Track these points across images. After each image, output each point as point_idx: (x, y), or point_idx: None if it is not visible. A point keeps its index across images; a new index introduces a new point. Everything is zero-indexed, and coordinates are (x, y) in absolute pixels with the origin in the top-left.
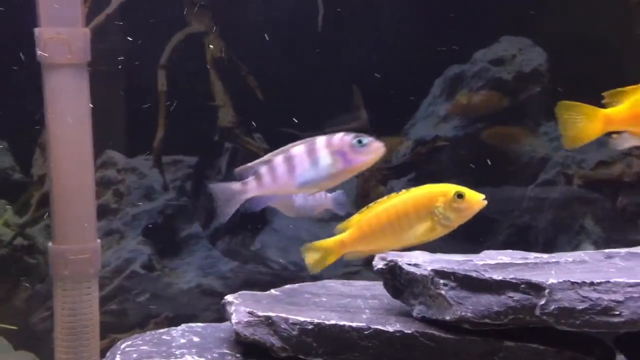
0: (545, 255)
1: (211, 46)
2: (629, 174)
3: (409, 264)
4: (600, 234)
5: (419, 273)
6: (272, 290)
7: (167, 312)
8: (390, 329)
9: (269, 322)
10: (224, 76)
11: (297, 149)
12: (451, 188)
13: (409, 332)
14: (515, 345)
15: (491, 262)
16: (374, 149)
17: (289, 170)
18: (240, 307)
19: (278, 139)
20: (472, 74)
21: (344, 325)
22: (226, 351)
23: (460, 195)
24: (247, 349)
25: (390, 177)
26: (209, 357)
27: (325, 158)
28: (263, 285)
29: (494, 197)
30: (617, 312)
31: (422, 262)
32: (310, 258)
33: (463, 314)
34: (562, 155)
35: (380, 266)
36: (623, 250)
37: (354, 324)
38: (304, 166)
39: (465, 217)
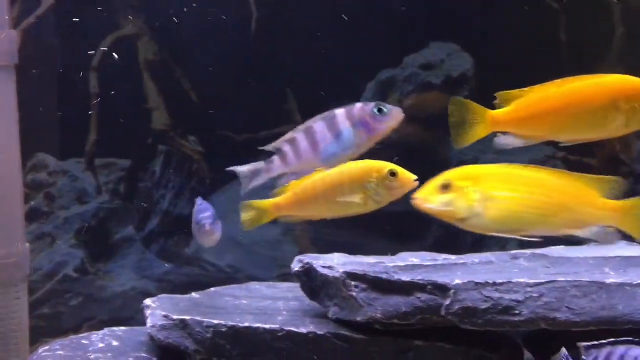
0: (453, 257)
1: (143, 49)
2: None
3: (324, 267)
4: None
5: (332, 275)
6: (193, 294)
7: (102, 315)
8: (303, 330)
9: (183, 325)
10: (158, 79)
11: (319, 125)
12: (386, 166)
13: (322, 333)
14: (425, 345)
15: (402, 264)
16: (395, 116)
17: (312, 146)
18: (157, 310)
19: (213, 142)
20: (403, 79)
21: (258, 328)
22: (143, 355)
23: (393, 174)
24: (164, 353)
25: None
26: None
27: (347, 130)
28: (198, 287)
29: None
30: (517, 312)
31: (336, 264)
32: (246, 216)
33: (373, 314)
34: (489, 159)
35: (297, 269)
36: (528, 252)
37: (267, 326)
38: (327, 141)
39: (395, 196)
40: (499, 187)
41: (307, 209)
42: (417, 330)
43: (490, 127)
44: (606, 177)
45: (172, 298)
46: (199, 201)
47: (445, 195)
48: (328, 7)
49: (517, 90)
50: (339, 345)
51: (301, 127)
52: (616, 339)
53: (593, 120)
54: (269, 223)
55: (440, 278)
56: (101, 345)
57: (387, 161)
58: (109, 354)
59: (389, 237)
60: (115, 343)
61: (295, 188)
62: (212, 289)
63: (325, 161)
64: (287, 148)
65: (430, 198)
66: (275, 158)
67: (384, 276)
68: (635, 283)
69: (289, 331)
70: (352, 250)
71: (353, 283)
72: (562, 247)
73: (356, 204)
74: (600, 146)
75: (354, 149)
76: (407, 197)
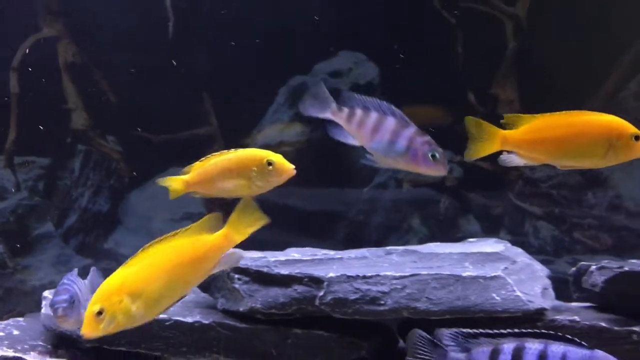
0: (332, 252)
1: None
2: (451, 179)
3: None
4: (425, 232)
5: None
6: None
7: (20, 308)
8: (190, 320)
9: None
10: (77, 80)
11: (391, 121)
12: (267, 155)
13: (207, 322)
14: (302, 333)
15: (283, 258)
16: (436, 168)
17: (374, 129)
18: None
19: (130, 142)
20: (313, 84)
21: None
22: (40, 343)
23: (270, 163)
24: (59, 340)
25: None
26: (19, 348)
27: (402, 146)
28: None
29: (335, 198)
30: (383, 302)
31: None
32: (169, 187)
33: (253, 305)
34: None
35: None
36: (401, 248)
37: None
38: (384, 137)
39: (273, 183)
40: (140, 284)
41: (206, 188)
42: (295, 319)
43: (499, 145)
44: (204, 219)
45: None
46: (64, 278)
47: (105, 319)
48: (244, 15)
49: (525, 115)
50: (223, 333)
51: (382, 109)
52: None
53: (589, 152)
54: (185, 221)
55: (316, 271)
56: (1, 334)
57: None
58: (6, 342)
59: (305, 234)
60: (15, 332)
61: (198, 169)
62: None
63: (371, 148)
64: (359, 112)
65: (94, 330)
66: (346, 110)
67: (265, 269)
68: (488, 276)
69: (176, 320)
70: (269, 247)
71: (236, 276)
72: (436, 243)
73: (242, 187)
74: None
75: (391, 162)
76: (324, 198)
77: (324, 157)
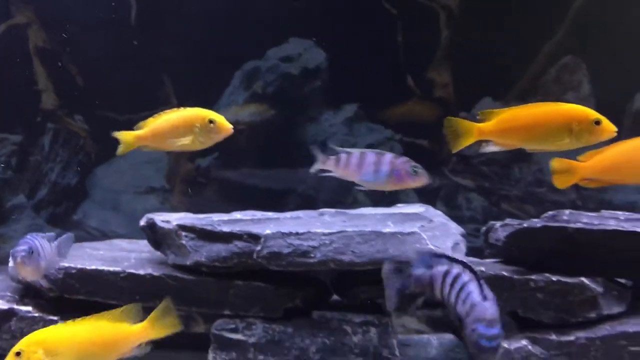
0: (270, 214)
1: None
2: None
3: (163, 221)
4: (369, 204)
5: (168, 228)
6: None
7: None
8: (142, 272)
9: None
10: (47, 64)
11: (370, 155)
12: (209, 114)
13: (157, 274)
14: (243, 284)
15: (226, 218)
16: (420, 179)
17: (358, 165)
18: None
19: (97, 121)
20: (266, 69)
21: (102, 270)
22: (8, 294)
23: (212, 121)
24: (25, 292)
25: (197, 156)
26: None
27: (385, 170)
28: None
29: (286, 174)
30: (312, 255)
31: (173, 219)
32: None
33: (198, 259)
34: (339, 139)
35: (142, 223)
36: (333, 210)
37: (111, 269)
38: (369, 169)
39: (214, 139)
40: (59, 346)
41: (155, 142)
42: (236, 272)
43: (477, 136)
44: (124, 309)
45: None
46: (28, 234)
47: None
48: (203, 4)
49: (496, 109)
50: (172, 284)
51: (360, 150)
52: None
53: (554, 137)
54: (148, 194)
55: (255, 229)
56: None
57: None
58: None
59: (258, 206)
60: None
61: (149, 124)
62: (78, 243)
63: (361, 181)
64: (343, 157)
65: None
66: (333, 159)
67: (209, 227)
68: (406, 232)
69: (130, 273)
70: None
71: (183, 233)
72: (368, 208)
73: (188, 143)
74: (431, 130)
75: (382, 185)
76: (276, 174)
77: (275, 136)
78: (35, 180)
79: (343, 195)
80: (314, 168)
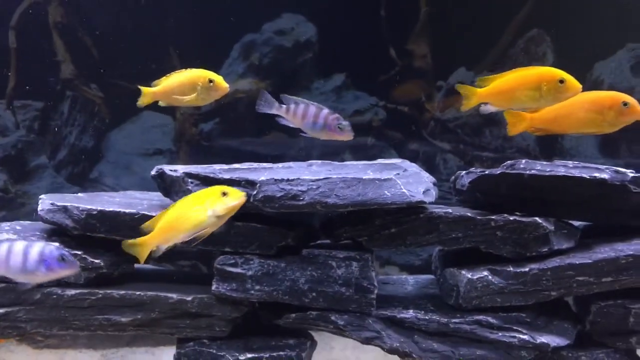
0: (265, 164)
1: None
2: (376, 121)
3: (171, 170)
4: None
5: (175, 175)
6: (79, 194)
7: None
8: (154, 213)
9: (64, 209)
10: (65, 37)
11: (312, 108)
12: (208, 74)
13: None
14: (242, 225)
15: (226, 167)
16: (345, 135)
17: (302, 116)
18: (47, 200)
19: (110, 89)
20: (261, 42)
21: (119, 212)
22: (37, 233)
23: (211, 81)
24: (52, 232)
25: (200, 121)
26: (21, 235)
27: (320, 123)
28: None
29: (280, 138)
30: (301, 198)
31: (180, 169)
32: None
33: None
34: (328, 106)
35: (153, 173)
36: (320, 162)
37: (127, 211)
38: (310, 120)
39: (214, 96)
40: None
41: (167, 98)
42: (237, 214)
43: (478, 99)
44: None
45: (63, 195)
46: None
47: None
48: None
49: (492, 76)
50: None
51: (306, 104)
52: None
53: (530, 96)
54: (157, 156)
55: (251, 176)
56: (7, 228)
57: None
58: (11, 232)
59: None
60: (18, 227)
61: (162, 82)
62: (95, 193)
63: (303, 128)
64: (292, 107)
65: None
66: (283, 107)
67: (211, 175)
68: (383, 178)
69: (144, 214)
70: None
71: (189, 180)
72: (353, 161)
73: (190, 98)
74: (411, 97)
75: (317, 135)
76: (270, 140)
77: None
78: (56, 143)
79: (331, 155)
80: (270, 111)
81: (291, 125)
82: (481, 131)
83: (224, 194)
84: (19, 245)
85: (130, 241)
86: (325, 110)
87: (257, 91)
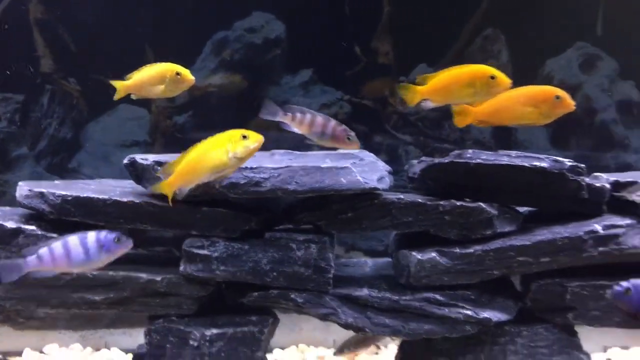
0: None
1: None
2: (341, 114)
3: (142, 159)
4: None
5: (146, 164)
6: (55, 181)
7: None
8: (125, 199)
9: (41, 195)
10: (45, 33)
11: (320, 119)
12: (175, 68)
13: (138, 201)
14: (208, 210)
15: None
16: (352, 145)
17: (309, 125)
18: (24, 187)
19: (88, 83)
20: (233, 38)
21: (93, 197)
22: (16, 217)
23: (178, 74)
24: (30, 217)
25: (174, 114)
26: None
27: (329, 133)
28: None
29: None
30: (263, 185)
31: (150, 157)
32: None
33: None
34: (296, 101)
35: (125, 161)
36: (283, 151)
37: (100, 197)
38: (318, 129)
39: (181, 88)
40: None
41: (138, 90)
42: (203, 200)
43: (419, 96)
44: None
45: (38, 182)
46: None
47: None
48: None
49: (430, 74)
50: (150, 209)
51: (312, 114)
52: None
53: (465, 92)
54: (133, 147)
55: None
56: None
57: None
58: None
59: None
60: None
61: (133, 76)
62: (72, 180)
63: (309, 136)
64: (298, 115)
65: None
66: (290, 114)
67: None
68: (340, 166)
69: (115, 200)
70: None
71: (159, 168)
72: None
73: (160, 90)
74: (374, 92)
75: (324, 143)
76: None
77: (242, 97)
78: (36, 134)
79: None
80: (275, 119)
81: (295, 132)
82: (441, 124)
83: (244, 136)
84: (74, 239)
85: (154, 186)
86: (333, 122)
87: (229, 85)
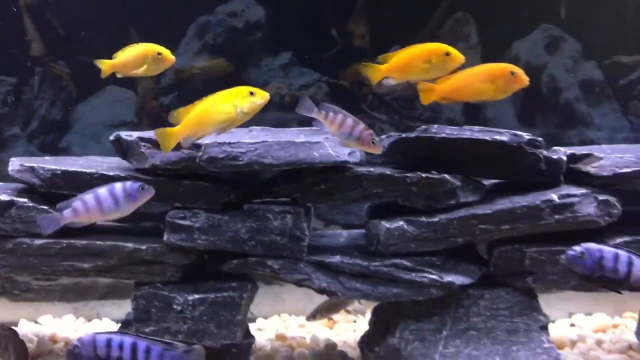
0: None
1: None
2: (320, 94)
3: (127, 135)
4: None
5: (130, 140)
6: (46, 157)
7: None
8: (111, 173)
9: (32, 169)
10: (34, 18)
11: (349, 120)
12: (158, 48)
13: (123, 175)
14: (190, 183)
15: None
16: (376, 149)
17: (339, 125)
18: (16, 162)
19: (77, 65)
20: (215, 22)
21: (81, 171)
22: (9, 191)
23: (159, 53)
24: (23, 190)
25: (160, 95)
26: None
27: (355, 135)
28: None
29: None
30: (241, 159)
31: (134, 134)
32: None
33: (154, 162)
34: (276, 84)
35: (111, 138)
36: (260, 127)
37: (88, 171)
38: (346, 130)
39: (162, 67)
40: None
41: (124, 69)
42: (184, 174)
43: (380, 74)
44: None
45: (30, 158)
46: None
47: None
48: None
49: (390, 53)
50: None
51: (344, 114)
52: None
53: (422, 68)
54: (121, 127)
55: (197, 140)
56: None
57: None
58: None
59: None
60: None
61: (118, 55)
62: (61, 157)
63: (337, 136)
64: (331, 114)
65: None
66: (323, 112)
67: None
68: (313, 141)
69: (102, 174)
70: None
71: (142, 143)
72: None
73: (143, 69)
74: (351, 74)
75: (350, 144)
76: None
77: (225, 79)
78: (28, 115)
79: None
80: (310, 114)
81: (325, 129)
82: (414, 104)
83: (251, 93)
84: (103, 191)
85: (161, 129)
86: (362, 125)
87: (212, 67)
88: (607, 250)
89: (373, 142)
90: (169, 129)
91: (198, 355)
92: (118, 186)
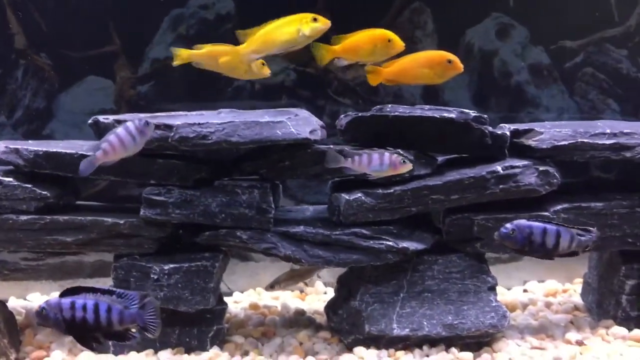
0: (182, 112)
1: None
2: (288, 80)
3: (104, 118)
4: None
5: (107, 122)
6: (29, 141)
7: None
8: (90, 153)
9: (16, 150)
10: (18, 12)
11: (376, 155)
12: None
13: None
14: (163, 161)
15: (149, 115)
16: (407, 166)
17: (368, 162)
18: (1, 144)
19: (58, 57)
20: (188, 15)
21: (62, 152)
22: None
23: (315, 19)
24: (9, 171)
25: (137, 84)
26: None
27: (386, 164)
28: None
29: (207, 99)
30: (210, 138)
31: (111, 117)
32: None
33: None
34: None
35: (89, 122)
36: (228, 110)
37: (69, 151)
38: (376, 164)
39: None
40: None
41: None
42: (158, 153)
43: (331, 54)
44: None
45: (14, 141)
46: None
47: None
48: None
49: (342, 36)
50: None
51: (367, 152)
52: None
53: (368, 50)
54: (101, 114)
55: (169, 121)
56: None
57: None
58: None
59: None
60: None
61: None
62: (45, 140)
63: (370, 171)
64: (357, 158)
65: None
66: (349, 159)
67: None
68: (276, 121)
69: (82, 154)
70: None
71: (118, 124)
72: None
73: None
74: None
75: (384, 174)
76: (201, 101)
77: (198, 68)
78: (12, 104)
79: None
80: (337, 165)
81: (356, 173)
82: (376, 90)
83: (315, 19)
84: (121, 131)
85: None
86: (387, 153)
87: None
88: (537, 225)
89: (404, 162)
90: (235, 47)
91: (153, 307)
92: (130, 124)
